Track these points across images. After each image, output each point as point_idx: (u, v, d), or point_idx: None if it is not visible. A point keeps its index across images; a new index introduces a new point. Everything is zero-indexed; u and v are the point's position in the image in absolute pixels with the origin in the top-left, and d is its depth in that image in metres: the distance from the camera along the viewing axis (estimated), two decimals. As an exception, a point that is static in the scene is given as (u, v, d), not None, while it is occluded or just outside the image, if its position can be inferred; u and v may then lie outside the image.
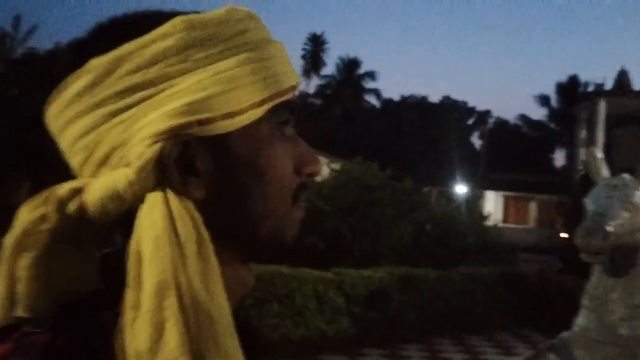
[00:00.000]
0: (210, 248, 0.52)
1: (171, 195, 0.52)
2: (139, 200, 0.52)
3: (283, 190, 0.58)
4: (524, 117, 45.20)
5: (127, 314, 0.48)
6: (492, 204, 27.34)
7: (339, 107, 47.86)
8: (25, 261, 0.52)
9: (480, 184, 28.86)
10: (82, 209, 0.53)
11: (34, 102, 14.37)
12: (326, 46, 23.04)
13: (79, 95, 0.53)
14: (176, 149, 0.52)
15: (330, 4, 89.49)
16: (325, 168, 13.24)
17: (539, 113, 47.32)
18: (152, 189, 0.52)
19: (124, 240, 0.53)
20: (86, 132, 0.54)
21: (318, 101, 52.45)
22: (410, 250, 8.38)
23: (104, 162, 0.54)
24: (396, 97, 57.71)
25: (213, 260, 0.52)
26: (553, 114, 41.31)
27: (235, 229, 0.57)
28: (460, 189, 25.83)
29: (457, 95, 67.23)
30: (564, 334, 2.83)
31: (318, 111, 48.94)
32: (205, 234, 0.52)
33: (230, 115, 0.54)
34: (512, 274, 8.89)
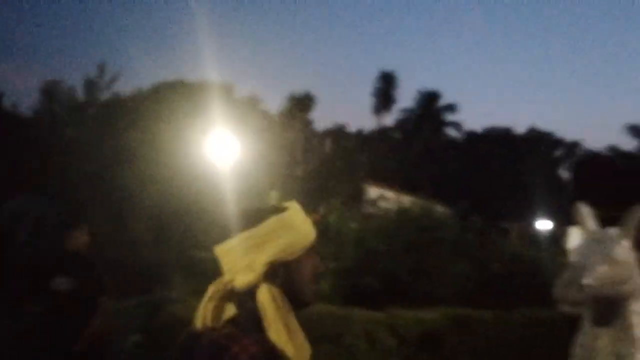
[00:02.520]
0: (287, 305, 1.37)
1: (271, 286, 1.36)
2: (256, 287, 1.35)
3: (311, 281, 1.45)
4: (614, 149, 43.34)
5: (268, 329, 1.33)
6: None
7: (418, 141, 47.70)
8: (212, 304, 1.39)
9: (565, 219, 27.75)
10: (232, 286, 1.38)
11: (118, 142, 15.49)
12: (397, 83, 23.39)
13: (240, 243, 1.40)
14: (272, 267, 1.38)
15: (406, 37, 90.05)
16: (394, 203, 13.35)
17: (630, 144, 45.49)
18: (263, 282, 1.35)
19: (244, 299, 1.39)
20: (239, 257, 1.39)
21: (397, 135, 52.52)
22: (472, 291, 8.38)
23: (240, 270, 1.37)
24: (479, 129, 56.93)
25: (288, 307, 1.37)
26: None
27: (291, 298, 1.39)
28: (544, 224, 25.08)
29: (543, 125, 65.33)
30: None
31: (398, 146, 49.01)
32: (284, 300, 1.36)
33: (298, 252, 1.42)
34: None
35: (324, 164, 21.04)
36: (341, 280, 7.41)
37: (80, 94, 16.66)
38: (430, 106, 49.19)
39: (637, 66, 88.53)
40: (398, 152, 45.14)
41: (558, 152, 52.99)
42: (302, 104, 23.42)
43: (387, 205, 12.25)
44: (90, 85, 15.86)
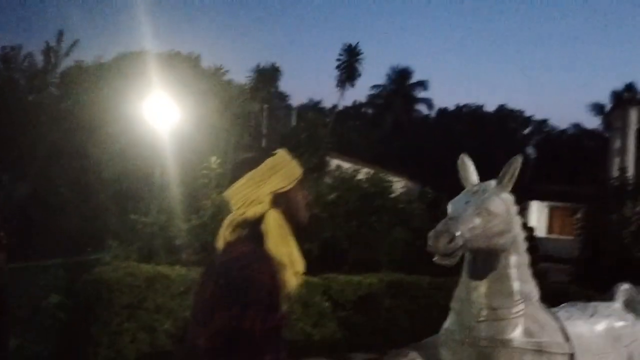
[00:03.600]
0: (286, 225, 1.73)
1: (275, 211, 1.73)
2: (264, 213, 1.72)
3: (304, 207, 1.82)
4: (577, 126, 44.00)
5: (267, 241, 1.68)
6: (536, 214, 26.75)
7: (389, 117, 47.77)
8: (228, 230, 1.74)
9: (525, 194, 28.24)
10: (245, 217, 1.73)
11: (84, 111, 15.26)
12: (360, 57, 23.09)
13: (246, 183, 1.74)
14: (274, 195, 1.74)
15: (379, 12, 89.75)
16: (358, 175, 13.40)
17: (594, 122, 46.44)
18: (268, 209, 1.72)
19: (253, 224, 1.73)
20: (247, 193, 1.73)
21: (369, 110, 52.55)
22: (411, 258, 8.46)
23: (250, 203, 1.73)
24: (451, 107, 57.22)
25: (287, 228, 1.74)
26: (608, 123, 40.04)
27: (289, 220, 1.75)
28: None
29: (513, 104, 66.07)
30: (433, 336, 2.98)
31: (370, 121, 49.02)
32: (285, 222, 1.73)
33: (291, 183, 1.77)
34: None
35: (287, 136, 20.98)
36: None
37: (39, 61, 16.29)
38: (401, 83, 49.18)
39: (601, 46, 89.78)
40: (369, 127, 45.19)
41: (527, 130, 53.57)
42: (267, 75, 23.17)
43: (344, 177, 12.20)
44: (49, 52, 15.51)
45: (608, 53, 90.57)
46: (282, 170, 1.77)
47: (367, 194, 8.40)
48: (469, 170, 2.95)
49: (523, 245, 2.87)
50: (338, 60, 23.32)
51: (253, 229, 1.72)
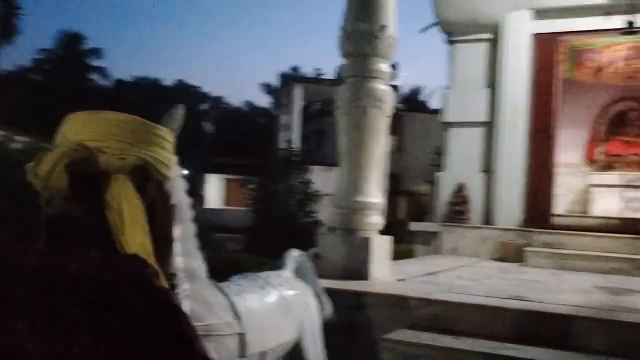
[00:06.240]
0: (141, 204, 1.10)
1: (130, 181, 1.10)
2: (116, 176, 1.08)
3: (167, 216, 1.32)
4: (250, 104, 46.62)
5: (118, 225, 1.04)
6: (214, 187, 27.56)
7: (61, 84, 44.55)
8: (60, 165, 1.06)
9: (204, 168, 28.84)
10: (93, 158, 1.07)
11: None
12: (20, 11, 20.17)
13: (126, 126, 1.14)
14: (142, 166, 1.11)
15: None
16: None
17: (266, 100, 50.61)
18: (124, 173, 1.09)
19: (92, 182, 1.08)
20: (112, 135, 1.12)
21: (39, 77, 48.09)
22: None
23: (109, 147, 1.09)
24: (129, 78, 55.63)
25: (142, 208, 1.09)
26: (277, 101, 43.46)
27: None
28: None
29: (191, 81, 68.19)
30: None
31: (38, 87, 44.75)
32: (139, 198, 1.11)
33: (159, 172, 1.18)
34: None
35: None
36: None
37: None
38: (73, 49, 46.19)
39: (271, 33, 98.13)
40: (39, 94, 41.17)
41: (204, 106, 55.19)
42: None
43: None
44: None
45: (277, 38, 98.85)
46: (169, 150, 1.19)
47: (22, 165, 7.09)
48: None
49: (187, 214, 2.45)
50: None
51: (89, 186, 1.07)
